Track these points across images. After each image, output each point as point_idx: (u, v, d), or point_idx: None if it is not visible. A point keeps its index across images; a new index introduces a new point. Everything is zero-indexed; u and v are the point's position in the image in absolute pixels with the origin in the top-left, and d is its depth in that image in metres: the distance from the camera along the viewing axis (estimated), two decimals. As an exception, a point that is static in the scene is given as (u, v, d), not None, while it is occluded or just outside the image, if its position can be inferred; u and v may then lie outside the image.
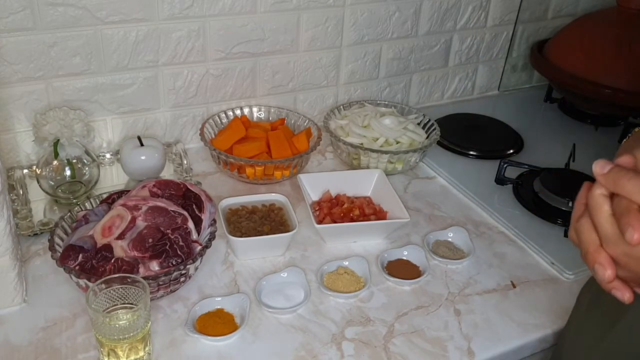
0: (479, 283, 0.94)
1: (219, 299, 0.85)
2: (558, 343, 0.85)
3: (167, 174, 1.13)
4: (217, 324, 0.82)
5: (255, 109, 1.26)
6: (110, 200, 0.92)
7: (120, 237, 0.84)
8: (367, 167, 1.17)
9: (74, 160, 1.04)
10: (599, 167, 0.51)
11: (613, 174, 0.50)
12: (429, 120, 1.26)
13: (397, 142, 1.19)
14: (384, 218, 1.02)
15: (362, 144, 1.18)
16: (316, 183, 1.07)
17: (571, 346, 0.78)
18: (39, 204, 1.03)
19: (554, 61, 1.37)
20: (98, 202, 0.93)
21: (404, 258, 0.97)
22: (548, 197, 1.09)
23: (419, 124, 1.26)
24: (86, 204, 0.93)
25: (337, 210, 1.01)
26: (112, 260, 0.81)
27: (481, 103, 1.53)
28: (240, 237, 0.93)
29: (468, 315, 0.88)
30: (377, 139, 1.18)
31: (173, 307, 0.85)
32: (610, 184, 0.50)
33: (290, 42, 1.23)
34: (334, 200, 1.05)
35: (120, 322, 0.70)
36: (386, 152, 1.14)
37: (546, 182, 1.11)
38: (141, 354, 0.74)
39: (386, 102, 1.31)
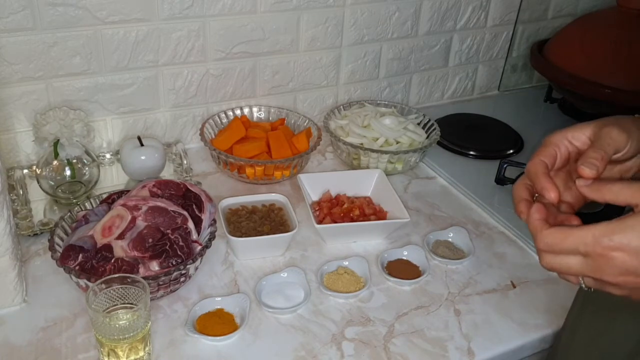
0: (479, 283, 0.94)
1: (219, 299, 0.85)
2: (554, 343, 0.85)
3: (167, 174, 1.13)
4: (217, 324, 0.82)
5: (255, 109, 1.26)
6: (110, 200, 0.92)
7: (120, 237, 0.84)
8: (367, 167, 1.17)
9: (74, 160, 1.04)
10: (583, 181, 0.56)
11: (596, 185, 0.55)
12: (429, 121, 1.26)
13: (397, 142, 1.19)
14: (384, 218, 1.02)
15: (362, 144, 1.18)
16: (316, 183, 1.07)
17: (565, 346, 0.78)
18: (39, 204, 1.03)
19: (554, 61, 1.37)
20: (98, 202, 0.93)
21: (404, 258, 0.97)
22: (548, 197, 1.09)
23: (419, 124, 1.26)
24: (86, 204, 0.93)
25: (337, 210, 1.01)
26: (112, 260, 0.81)
27: (481, 103, 1.53)
28: (240, 237, 0.93)
29: (468, 315, 0.88)
30: (377, 139, 1.18)
31: (173, 307, 0.85)
32: (595, 193, 0.55)
33: (290, 42, 1.23)
34: (334, 200, 1.05)
35: (120, 322, 0.70)
36: (386, 152, 1.14)
37: (546, 182, 1.11)
38: (141, 354, 0.74)
39: (386, 102, 1.31)
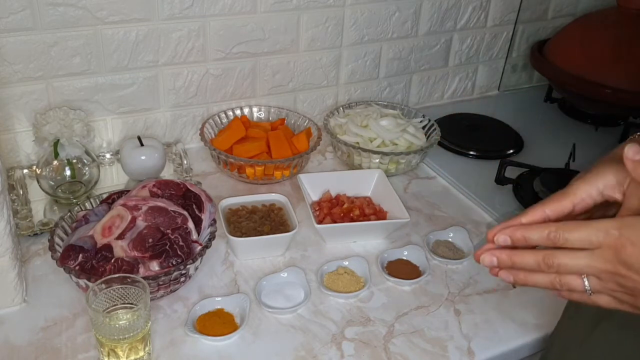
0: (479, 283, 0.94)
1: (219, 299, 0.85)
2: (545, 347, 0.84)
3: (167, 174, 1.13)
4: (217, 324, 0.82)
5: (255, 109, 1.26)
6: (110, 200, 0.92)
7: (120, 237, 0.84)
8: (360, 166, 1.16)
9: (74, 160, 1.04)
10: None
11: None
12: (433, 125, 1.24)
13: (394, 144, 1.19)
14: (384, 218, 1.02)
15: (357, 142, 1.18)
16: (316, 183, 1.07)
17: (557, 348, 0.78)
18: (39, 204, 1.03)
19: (554, 61, 1.37)
20: (98, 202, 0.93)
21: (404, 258, 0.97)
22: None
23: (423, 127, 1.25)
24: (86, 204, 0.93)
25: (337, 210, 1.01)
26: (112, 260, 0.81)
27: (481, 103, 1.53)
28: (240, 237, 0.93)
29: (468, 315, 0.88)
30: (374, 140, 1.18)
31: (173, 307, 0.85)
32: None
33: (290, 42, 1.23)
34: (334, 200, 1.05)
35: (120, 322, 0.70)
36: (377, 153, 1.13)
37: (546, 182, 1.11)
38: (141, 354, 0.74)
39: (393, 104, 1.31)
